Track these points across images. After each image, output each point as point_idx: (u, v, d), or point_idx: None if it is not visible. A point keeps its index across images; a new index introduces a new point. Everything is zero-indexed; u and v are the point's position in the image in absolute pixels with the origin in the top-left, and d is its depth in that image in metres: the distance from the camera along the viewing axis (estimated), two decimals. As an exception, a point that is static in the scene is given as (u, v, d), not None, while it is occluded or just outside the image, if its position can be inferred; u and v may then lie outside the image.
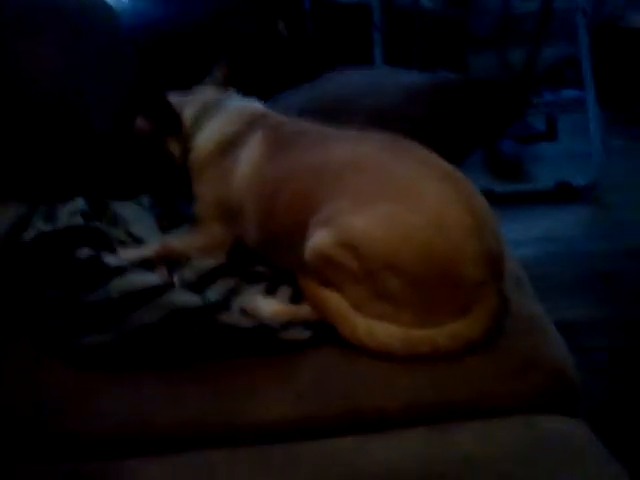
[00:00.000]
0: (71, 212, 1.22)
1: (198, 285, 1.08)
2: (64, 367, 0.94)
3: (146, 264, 1.10)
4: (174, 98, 1.26)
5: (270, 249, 1.13)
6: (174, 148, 1.25)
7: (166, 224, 1.30)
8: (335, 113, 1.32)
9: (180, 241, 1.20)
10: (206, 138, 1.21)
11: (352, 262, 0.93)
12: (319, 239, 0.96)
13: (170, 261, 1.15)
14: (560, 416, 0.83)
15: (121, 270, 1.01)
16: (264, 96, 1.51)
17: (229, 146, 1.18)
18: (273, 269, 1.12)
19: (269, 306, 1.01)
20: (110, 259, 1.06)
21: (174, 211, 1.33)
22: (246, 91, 1.36)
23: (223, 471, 0.77)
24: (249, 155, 1.14)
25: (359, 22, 2.75)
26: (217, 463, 0.79)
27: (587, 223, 2.51)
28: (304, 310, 0.99)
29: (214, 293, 1.05)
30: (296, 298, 1.03)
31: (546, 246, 2.27)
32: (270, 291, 1.08)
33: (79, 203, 1.25)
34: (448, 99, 1.50)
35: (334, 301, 0.95)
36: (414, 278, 0.91)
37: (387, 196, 0.96)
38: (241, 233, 1.15)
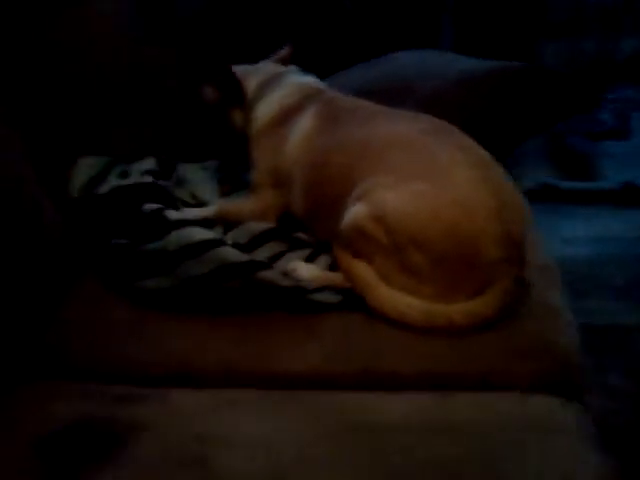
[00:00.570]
0: (142, 171, 1.35)
1: (248, 246, 1.19)
2: (126, 305, 1.07)
3: (204, 223, 1.21)
4: (239, 70, 1.36)
5: (314, 218, 1.23)
6: (237, 118, 1.37)
7: (228, 188, 1.41)
8: (391, 94, 1.40)
9: (235, 205, 1.32)
10: (265, 109, 1.31)
11: (382, 235, 1.02)
12: (354, 211, 1.06)
13: (227, 222, 1.27)
14: (557, 398, 0.90)
15: (180, 224, 1.13)
16: (326, 71, 1.60)
17: (285, 117, 1.28)
18: (316, 238, 1.22)
19: (307, 270, 1.11)
20: (172, 213, 1.19)
21: (236, 177, 1.44)
22: (308, 66, 1.45)
23: (248, 407, 0.89)
24: (302, 126, 1.24)
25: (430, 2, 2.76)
26: (245, 400, 0.91)
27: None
28: (338, 278, 1.09)
29: (261, 253, 1.16)
30: (334, 267, 1.13)
31: (601, 246, 2.25)
32: (311, 258, 1.18)
33: (150, 163, 1.39)
34: (505, 88, 1.54)
35: (362, 271, 1.05)
36: (437, 254, 1.00)
37: (421, 175, 1.05)
38: (290, 201, 1.26)
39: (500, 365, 0.95)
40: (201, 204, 1.35)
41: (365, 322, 1.02)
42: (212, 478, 0.76)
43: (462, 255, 0.99)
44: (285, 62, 1.43)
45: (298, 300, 1.04)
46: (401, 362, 0.96)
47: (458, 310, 0.99)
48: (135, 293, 1.08)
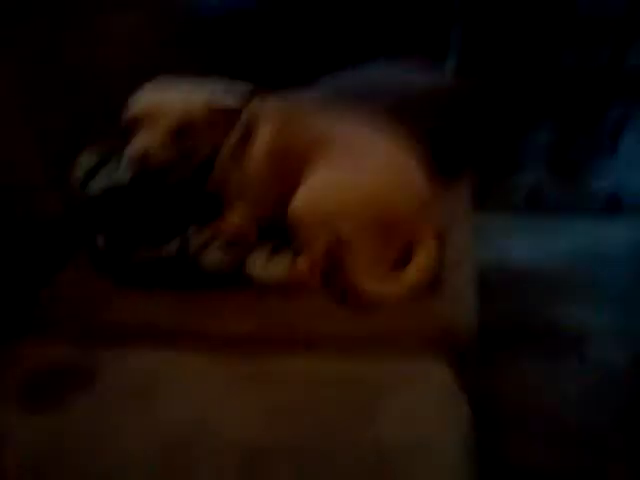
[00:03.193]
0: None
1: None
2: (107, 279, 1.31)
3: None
4: None
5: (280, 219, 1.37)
6: None
7: None
8: (361, 101, 1.56)
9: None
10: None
11: (313, 221, 1.22)
12: (293, 202, 1.26)
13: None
14: (438, 361, 1.09)
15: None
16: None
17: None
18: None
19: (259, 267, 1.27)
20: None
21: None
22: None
23: (189, 359, 1.13)
24: (262, 132, 1.35)
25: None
26: (187, 355, 1.14)
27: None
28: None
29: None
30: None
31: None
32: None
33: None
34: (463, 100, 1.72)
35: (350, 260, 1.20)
36: (362, 222, 1.20)
37: (347, 164, 1.26)
38: (261, 211, 1.38)
39: (393, 328, 1.15)
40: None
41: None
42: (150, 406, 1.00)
43: (382, 220, 1.21)
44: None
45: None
46: (317, 326, 1.17)
47: (412, 270, 1.20)
48: (114, 270, 1.31)
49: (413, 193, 1.26)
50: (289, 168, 1.34)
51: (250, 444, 0.92)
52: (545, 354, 1.84)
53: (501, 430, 1.55)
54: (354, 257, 1.20)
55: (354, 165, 1.25)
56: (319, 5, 2.16)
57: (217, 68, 1.54)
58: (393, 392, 1.00)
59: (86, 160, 1.47)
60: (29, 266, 1.30)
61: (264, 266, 1.29)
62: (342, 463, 0.89)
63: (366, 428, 0.93)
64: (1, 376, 1.10)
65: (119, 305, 1.26)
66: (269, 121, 1.38)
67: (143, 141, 1.20)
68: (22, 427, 0.98)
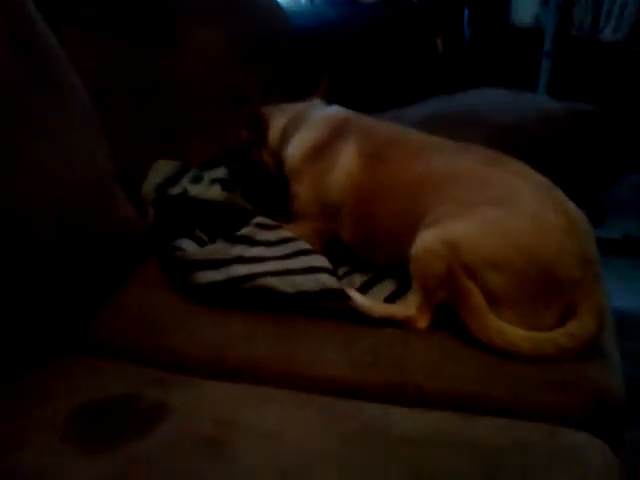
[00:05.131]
0: (212, 178, 1.43)
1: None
2: (177, 295, 1.14)
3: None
4: (267, 111, 1.41)
5: (367, 246, 1.24)
6: (266, 157, 1.42)
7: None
8: (456, 121, 1.41)
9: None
10: (297, 147, 1.34)
11: (455, 260, 0.99)
12: (425, 237, 1.05)
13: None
14: (589, 435, 0.86)
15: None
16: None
17: (321, 151, 1.30)
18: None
19: (364, 299, 1.09)
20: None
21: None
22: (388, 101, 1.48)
23: (269, 403, 0.91)
24: (345, 163, 1.25)
25: (529, 46, 2.75)
26: (267, 396, 0.93)
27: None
28: (399, 310, 1.07)
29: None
30: (390, 299, 1.14)
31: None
32: (367, 287, 1.17)
33: (221, 171, 1.46)
34: (576, 129, 1.52)
35: (476, 296, 0.98)
36: (516, 275, 0.97)
37: (487, 202, 1.04)
38: (338, 230, 1.27)
39: (529, 394, 0.92)
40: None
41: (398, 338, 1.02)
42: (221, 459, 0.79)
43: (541, 275, 0.97)
44: (322, 96, 1.48)
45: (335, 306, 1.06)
46: (426, 379, 0.94)
47: (562, 333, 0.95)
48: (185, 287, 1.14)
49: (582, 246, 1.01)
50: (390, 199, 1.19)
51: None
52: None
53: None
54: (500, 313, 0.98)
55: (500, 207, 1.03)
56: (416, 41, 2.02)
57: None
58: (537, 473, 0.77)
59: (160, 171, 1.42)
60: (92, 280, 1.12)
61: (363, 297, 1.09)
62: None
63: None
64: (47, 405, 0.90)
65: (183, 326, 1.08)
66: (355, 143, 1.26)
67: None
68: (71, 471, 0.78)
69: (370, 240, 1.23)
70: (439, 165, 1.15)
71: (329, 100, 1.44)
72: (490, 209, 1.02)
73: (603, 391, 0.91)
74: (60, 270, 1.03)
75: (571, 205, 1.06)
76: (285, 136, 1.38)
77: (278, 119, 1.40)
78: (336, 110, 1.40)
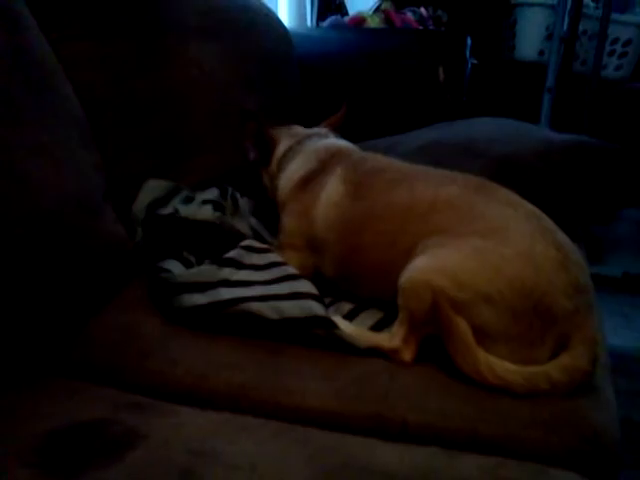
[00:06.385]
0: (204, 200, 1.41)
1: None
2: (159, 318, 1.10)
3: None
4: (276, 132, 1.40)
5: (352, 280, 1.21)
6: (266, 179, 1.40)
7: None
8: (456, 149, 1.39)
9: None
10: (288, 178, 1.34)
11: (448, 289, 0.95)
12: (412, 268, 1.01)
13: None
14: (579, 477, 0.82)
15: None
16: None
17: (307, 185, 1.28)
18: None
19: (350, 327, 1.07)
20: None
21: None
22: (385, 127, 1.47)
23: (248, 432, 0.87)
24: (329, 193, 1.23)
25: (531, 81, 2.75)
26: (246, 426, 0.89)
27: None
28: (384, 340, 1.03)
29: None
30: (376, 327, 1.11)
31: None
32: (351, 315, 1.15)
33: (212, 193, 1.44)
34: (582, 161, 1.49)
35: (463, 330, 0.94)
36: (509, 308, 0.93)
37: (476, 233, 1.01)
38: (321, 264, 1.25)
39: (521, 432, 0.88)
40: (259, 237, 1.38)
41: (384, 369, 0.98)
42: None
43: (534, 306, 0.93)
44: (336, 123, 1.47)
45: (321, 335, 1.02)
46: (410, 413, 0.91)
47: (553, 367, 0.92)
48: (170, 309, 1.11)
49: (574, 277, 0.97)
50: (375, 231, 1.15)
51: None
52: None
53: None
54: (491, 347, 0.94)
55: (490, 238, 0.99)
56: (417, 68, 2.02)
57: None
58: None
59: (151, 190, 1.39)
60: (75, 298, 1.09)
61: (350, 325, 1.06)
62: None
63: None
64: (14, 429, 0.86)
65: (164, 350, 1.04)
66: (340, 175, 1.24)
67: None
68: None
69: (354, 275, 1.20)
70: (424, 195, 1.12)
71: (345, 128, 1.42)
72: (479, 240, 0.99)
73: (596, 430, 0.88)
74: (42, 287, 1.00)
75: (561, 235, 1.03)
76: (282, 163, 1.37)
77: (285, 142, 1.40)
78: (330, 143, 1.39)
